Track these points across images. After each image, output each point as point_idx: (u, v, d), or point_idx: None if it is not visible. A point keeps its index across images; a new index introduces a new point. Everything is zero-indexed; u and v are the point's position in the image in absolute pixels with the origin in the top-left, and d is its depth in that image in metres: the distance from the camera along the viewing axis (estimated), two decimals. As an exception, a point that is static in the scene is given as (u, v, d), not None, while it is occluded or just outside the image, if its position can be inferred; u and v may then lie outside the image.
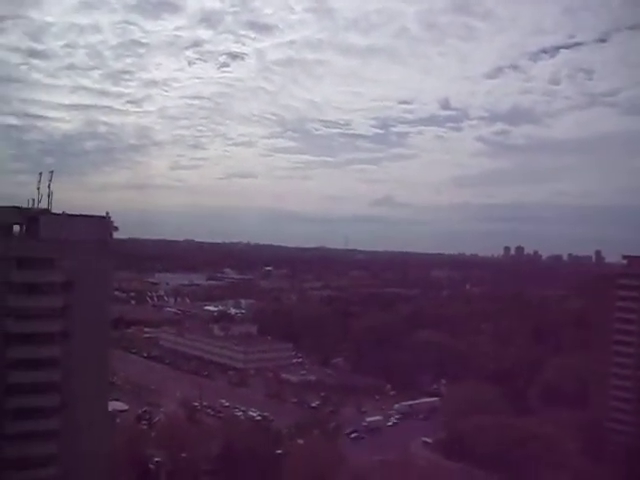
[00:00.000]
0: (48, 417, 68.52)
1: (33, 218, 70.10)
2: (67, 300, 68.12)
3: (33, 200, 73.72)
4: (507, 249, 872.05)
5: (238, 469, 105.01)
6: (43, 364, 68.32)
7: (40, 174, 73.83)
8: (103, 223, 71.21)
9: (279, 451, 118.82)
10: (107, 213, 71.26)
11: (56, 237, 67.97)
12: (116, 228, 71.89)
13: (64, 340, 68.26)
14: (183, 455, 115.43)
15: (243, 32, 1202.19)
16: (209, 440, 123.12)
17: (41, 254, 68.00)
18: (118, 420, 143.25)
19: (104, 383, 74.66)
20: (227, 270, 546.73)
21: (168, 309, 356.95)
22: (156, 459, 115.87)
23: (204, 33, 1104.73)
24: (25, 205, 71.29)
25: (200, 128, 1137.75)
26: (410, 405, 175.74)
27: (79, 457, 68.44)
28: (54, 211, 72.98)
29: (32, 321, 67.83)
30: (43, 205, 72.40)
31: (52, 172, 72.67)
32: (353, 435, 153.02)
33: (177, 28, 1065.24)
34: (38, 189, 73.56)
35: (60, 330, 68.29)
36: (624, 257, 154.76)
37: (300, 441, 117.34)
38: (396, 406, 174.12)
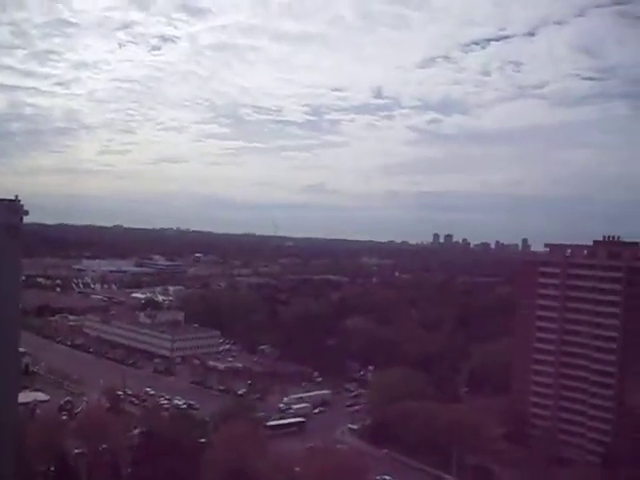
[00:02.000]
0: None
1: None
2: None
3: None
4: (436, 237, 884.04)
5: (159, 458, 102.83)
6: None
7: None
8: (12, 207, 68.06)
9: (202, 440, 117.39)
10: (16, 197, 68.20)
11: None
12: (26, 212, 68.81)
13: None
14: (104, 446, 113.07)
15: (175, 15, 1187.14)
16: (132, 429, 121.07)
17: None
18: (38, 411, 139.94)
19: (13, 372, 71.69)
20: (156, 257, 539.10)
21: (94, 296, 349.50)
22: (76, 450, 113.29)
23: (135, 15, 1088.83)
24: None
25: (130, 112, 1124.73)
26: (300, 397, 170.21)
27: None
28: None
29: None
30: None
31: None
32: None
33: (107, 8, 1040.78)
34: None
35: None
36: (546, 245, 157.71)
37: (223, 429, 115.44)
38: (285, 399, 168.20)
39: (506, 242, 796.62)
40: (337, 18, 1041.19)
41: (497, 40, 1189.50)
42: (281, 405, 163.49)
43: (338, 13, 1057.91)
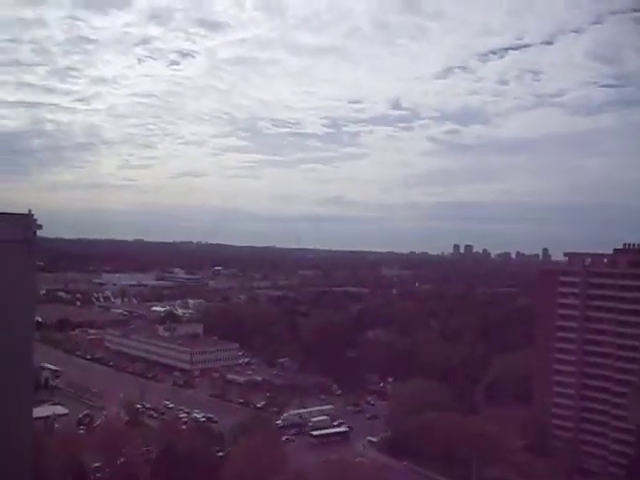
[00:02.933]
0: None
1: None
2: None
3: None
4: (456, 247, 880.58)
5: (177, 472, 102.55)
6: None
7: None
8: (25, 221, 67.95)
9: (220, 453, 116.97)
10: (30, 211, 68.06)
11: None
12: (39, 226, 68.60)
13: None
14: (122, 459, 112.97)
15: (193, 30, 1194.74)
16: (150, 443, 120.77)
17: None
18: (57, 425, 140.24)
19: (26, 388, 71.50)
20: (176, 270, 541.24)
21: (114, 310, 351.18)
22: (94, 464, 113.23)
23: (154, 30, 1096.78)
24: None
25: (150, 127, 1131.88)
26: (300, 415, 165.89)
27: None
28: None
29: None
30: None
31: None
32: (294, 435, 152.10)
33: (126, 24, 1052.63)
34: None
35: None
36: (565, 254, 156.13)
37: (242, 442, 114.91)
38: (284, 415, 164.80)
39: (527, 252, 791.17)
40: (354, 30, 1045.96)
41: (515, 49, 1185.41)
42: (279, 422, 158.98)
43: (355, 25, 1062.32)
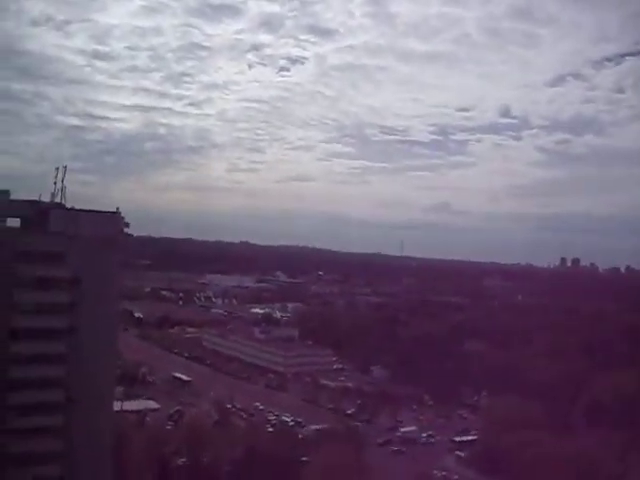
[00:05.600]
0: (52, 413, 67.06)
1: (44, 211, 68.78)
2: (74, 296, 66.63)
3: (52, 194, 73.14)
4: (563, 260, 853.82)
5: (258, 474, 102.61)
6: (48, 359, 66.96)
7: (57, 169, 73.22)
8: (113, 219, 69.55)
9: (304, 458, 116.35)
10: (117, 209, 69.68)
11: (65, 231, 66.50)
12: (127, 224, 70.18)
13: (70, 336, 66.71)
14: (206, 457, 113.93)
15: (303, 36, 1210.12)
16: (236, 443, 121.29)
17: (48, 248, 66.58)
18: (148, 419, 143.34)
19: (109, 380, 73.21)
20: (278, 273, 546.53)
21: (214, 310, 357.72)
22: (180, 460, 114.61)
23: (264, 37, 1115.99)
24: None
25: (259, 131, 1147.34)
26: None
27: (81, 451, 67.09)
28: (68, 206, 72.00)
29: (38, 316, 66.44)
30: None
31: (66, 167, 72.19)
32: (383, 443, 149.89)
33: (238, 32, 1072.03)
34: (55, 183, 72.84)
35: (66, 326, 66.77)
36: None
37: (326, 449, 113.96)
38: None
39: (638, 267, 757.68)
40: (463, 36, 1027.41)
41: (632, 55, 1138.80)
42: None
43: (465, 31, 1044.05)
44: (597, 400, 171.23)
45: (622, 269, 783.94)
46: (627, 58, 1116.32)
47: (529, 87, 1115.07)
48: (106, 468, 72.36)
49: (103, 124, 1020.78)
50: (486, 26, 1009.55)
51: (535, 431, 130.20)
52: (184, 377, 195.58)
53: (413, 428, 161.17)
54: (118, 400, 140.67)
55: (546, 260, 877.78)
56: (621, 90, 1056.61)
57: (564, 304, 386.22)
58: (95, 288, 67.49)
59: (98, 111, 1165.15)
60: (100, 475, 70.38)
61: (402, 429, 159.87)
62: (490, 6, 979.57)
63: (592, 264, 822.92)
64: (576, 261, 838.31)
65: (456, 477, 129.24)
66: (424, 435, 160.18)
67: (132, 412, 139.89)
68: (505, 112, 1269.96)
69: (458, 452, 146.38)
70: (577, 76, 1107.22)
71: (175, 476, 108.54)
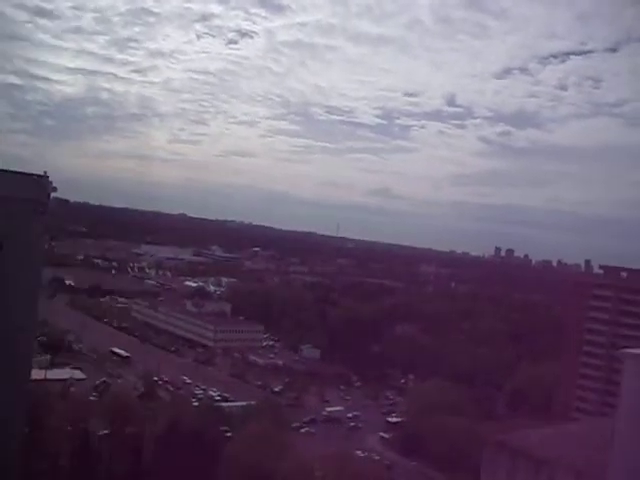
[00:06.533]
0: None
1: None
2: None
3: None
4: (498, 250, 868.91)
5: (181, 447, 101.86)
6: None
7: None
8: (39, 183, 67.42)
9: (228, 434, 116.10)
10: (45, 172, 67.56)
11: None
12: (54, 189, 68.19)
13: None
14: (129, 429, 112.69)
15: (254, 10, 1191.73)
16: (160, 416, 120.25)
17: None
18: (72, 389, 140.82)
19: (27, 348, 71.36)
20: (214, 247, 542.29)
21: (147, 281, 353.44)
22: (102, 432, 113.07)
23: (214, 7, 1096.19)
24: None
25: (203, 103, 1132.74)
26: None
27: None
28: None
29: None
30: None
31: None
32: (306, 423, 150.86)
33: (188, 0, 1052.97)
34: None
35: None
36: (601, 267, 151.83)
37: (250, 425, 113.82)
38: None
39: (569, 261, 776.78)
40: (415, 22, 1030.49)
41: (577, 54, 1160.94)
42: None
43: (417, 17, 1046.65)
44: (519, 388, 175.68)
45: (554, 262, 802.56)
46: (572, 57, 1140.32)
47: (476, 77, 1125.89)
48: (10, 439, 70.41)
49: (44, 85, 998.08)
50: (438, 13, 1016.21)
51: (457, 415, 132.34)
52: (115, 349, 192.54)
53: (339, 408, 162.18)
54: (42, 368, 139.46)
55: (481, 249, 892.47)
56: (564, 87, 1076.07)
57: (495, 293, 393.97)
58: (16, 252, 65.43)
59: (39, 71, 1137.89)
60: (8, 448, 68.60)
61: (328, 408, 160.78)
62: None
63: (526, 255, 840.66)
64: (510, 252, 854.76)
65: (377, 457, 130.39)
66: (349, 415, 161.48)
67: (56, 381, 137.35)
68: (451, 100, 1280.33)
69: (382, 433, 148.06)
70: (523, 70, 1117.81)
71: (96, 446, 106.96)
